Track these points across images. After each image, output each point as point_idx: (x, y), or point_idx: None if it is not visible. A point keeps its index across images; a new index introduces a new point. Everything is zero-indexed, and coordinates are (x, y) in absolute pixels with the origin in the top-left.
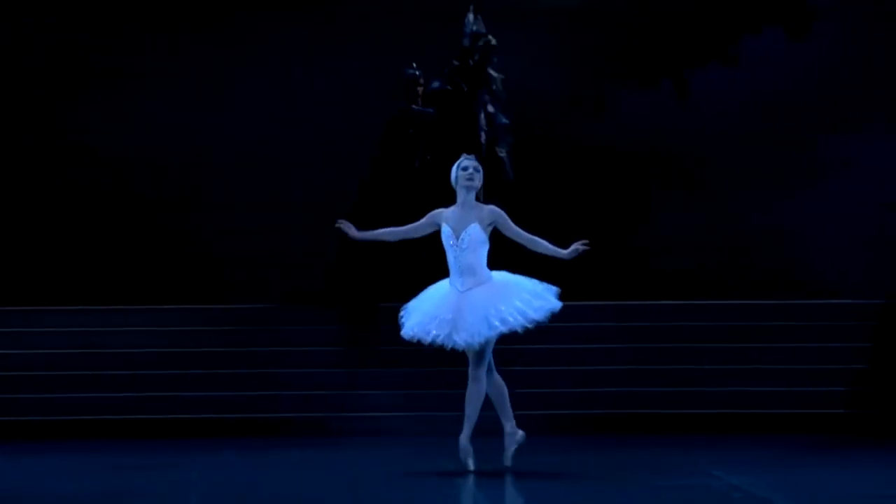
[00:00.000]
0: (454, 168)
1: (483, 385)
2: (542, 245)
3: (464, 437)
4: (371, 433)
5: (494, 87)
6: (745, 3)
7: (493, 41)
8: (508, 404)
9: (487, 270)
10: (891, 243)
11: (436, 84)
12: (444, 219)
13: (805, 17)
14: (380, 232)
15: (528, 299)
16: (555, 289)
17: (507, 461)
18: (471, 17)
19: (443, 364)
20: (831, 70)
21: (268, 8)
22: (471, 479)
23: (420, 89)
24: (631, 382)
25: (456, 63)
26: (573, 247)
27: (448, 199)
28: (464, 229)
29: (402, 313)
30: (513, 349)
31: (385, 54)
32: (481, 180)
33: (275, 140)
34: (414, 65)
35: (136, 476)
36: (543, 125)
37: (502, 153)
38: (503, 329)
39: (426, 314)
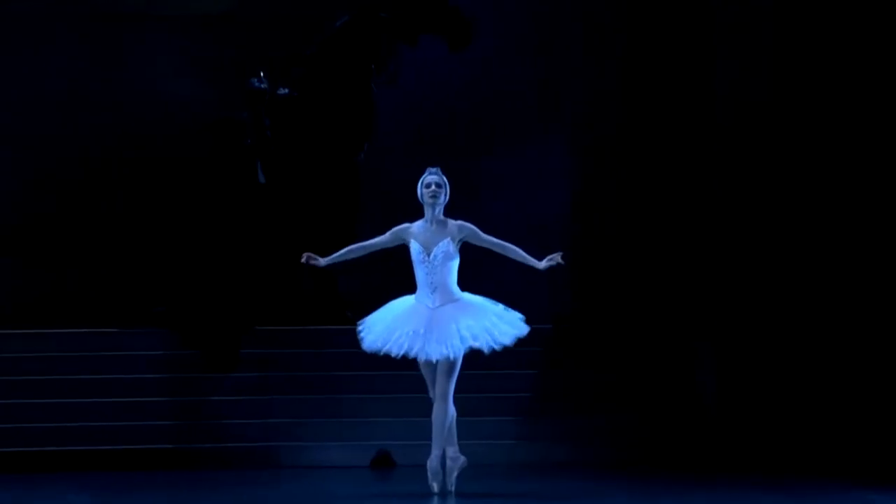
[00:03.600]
0: (419, 184)
1: (451, 404)
2: (516, 252)
3: (433, 459)
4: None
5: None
6: (402, 15)
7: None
8: (455, 430)
9: (458, 287)
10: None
11: (284, 91)
12: (411, 235)
13: (463, 28)
14: (344, 252)
15: (495, 322)
16: (520, 315)
17: (451, 485)
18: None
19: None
20: (490, 83)
21: None
22: None
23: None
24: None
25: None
26: (551, 256)
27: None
28: (435, 245)
29: (360, 327)
30: None
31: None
32: (447, 194)
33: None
34: (262, 74)
35: None
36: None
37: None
38: (477, 344)
39: (393, 327)
